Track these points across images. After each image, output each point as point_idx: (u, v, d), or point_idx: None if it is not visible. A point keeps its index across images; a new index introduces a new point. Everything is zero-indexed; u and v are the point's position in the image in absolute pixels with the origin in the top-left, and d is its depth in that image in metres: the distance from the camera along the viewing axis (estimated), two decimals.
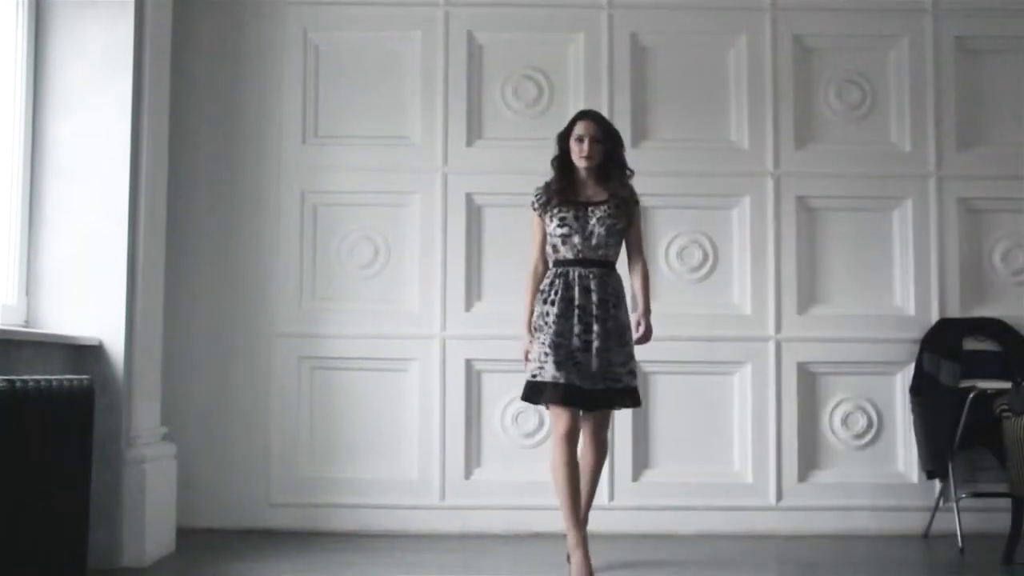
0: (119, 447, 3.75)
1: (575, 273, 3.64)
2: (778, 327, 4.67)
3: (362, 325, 4.63)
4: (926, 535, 4.52)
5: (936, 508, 4.51)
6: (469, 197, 4.68)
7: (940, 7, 4.77)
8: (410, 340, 4.64)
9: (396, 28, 4.76)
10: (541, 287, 3.70)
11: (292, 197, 4.68)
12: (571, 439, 3.54)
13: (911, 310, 4.70)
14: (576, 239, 3.65)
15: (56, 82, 3.84)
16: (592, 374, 3.56)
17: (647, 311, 3.74)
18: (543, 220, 3.73)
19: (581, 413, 3.63)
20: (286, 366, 4.62)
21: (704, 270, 4.72)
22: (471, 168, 4.69)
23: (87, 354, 3.72)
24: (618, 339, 3.62)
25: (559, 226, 3.67)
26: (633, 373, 3.65)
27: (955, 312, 4.68)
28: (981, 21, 4.79)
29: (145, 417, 3.91)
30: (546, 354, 3.55)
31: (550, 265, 3.74)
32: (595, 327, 3.57)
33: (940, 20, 4.77)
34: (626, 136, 4.56)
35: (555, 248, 3.70)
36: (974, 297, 4.72)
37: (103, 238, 3.80)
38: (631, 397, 3.66)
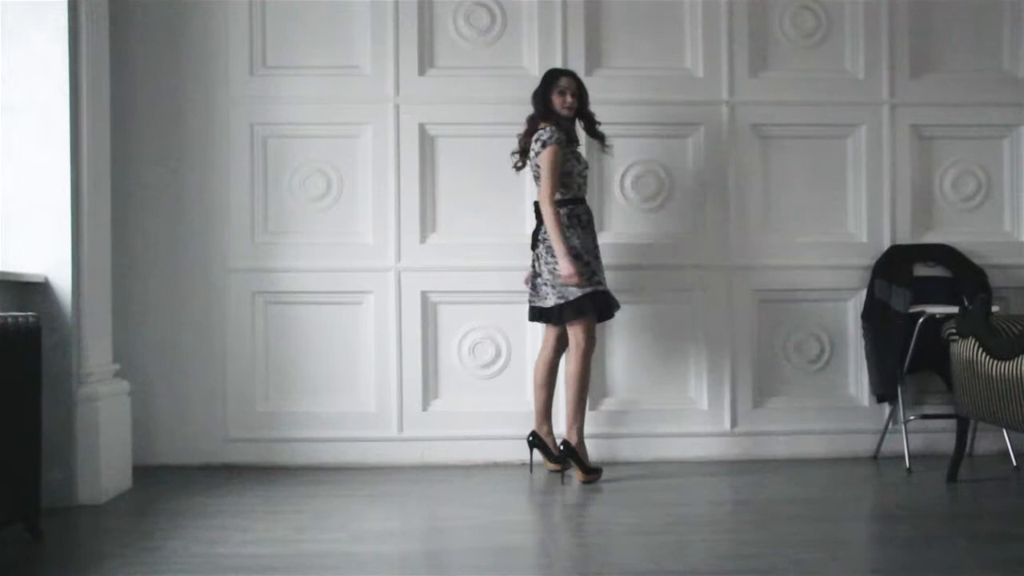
0: (70, 385, 3.71)
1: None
2: (733, 254, 4.69)
3: (316, 259, 4.59)
4: (876, 456, 4.62)
5: (885, 431, 4.60)
6: (422, 128, 4.61)
7: None
8: (365, 273, 4.60)
9: None
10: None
11: (241, 130, 4.58)
12: None
13: (863, 237, 4.74)
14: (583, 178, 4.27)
15: None
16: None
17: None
18: (561, 156, 4.09)
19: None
20: (240, 301, 4.58)
21: (660, 199, 4.71)
22: (423, 98, 4.62)
23: (33, 291, 3.66)
24: None
25: (581, 164, 4.24)
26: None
27: (906, 239, 4.72)
28: None
29: (96, 354, 3.86)
30: (593, 273, 4.12)
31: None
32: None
33: None
34: (580, 64, 4.57)
35: (579, 186, 4.21)
36: (924, 224, 4.77)
37: (45, 172, 3.71)
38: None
